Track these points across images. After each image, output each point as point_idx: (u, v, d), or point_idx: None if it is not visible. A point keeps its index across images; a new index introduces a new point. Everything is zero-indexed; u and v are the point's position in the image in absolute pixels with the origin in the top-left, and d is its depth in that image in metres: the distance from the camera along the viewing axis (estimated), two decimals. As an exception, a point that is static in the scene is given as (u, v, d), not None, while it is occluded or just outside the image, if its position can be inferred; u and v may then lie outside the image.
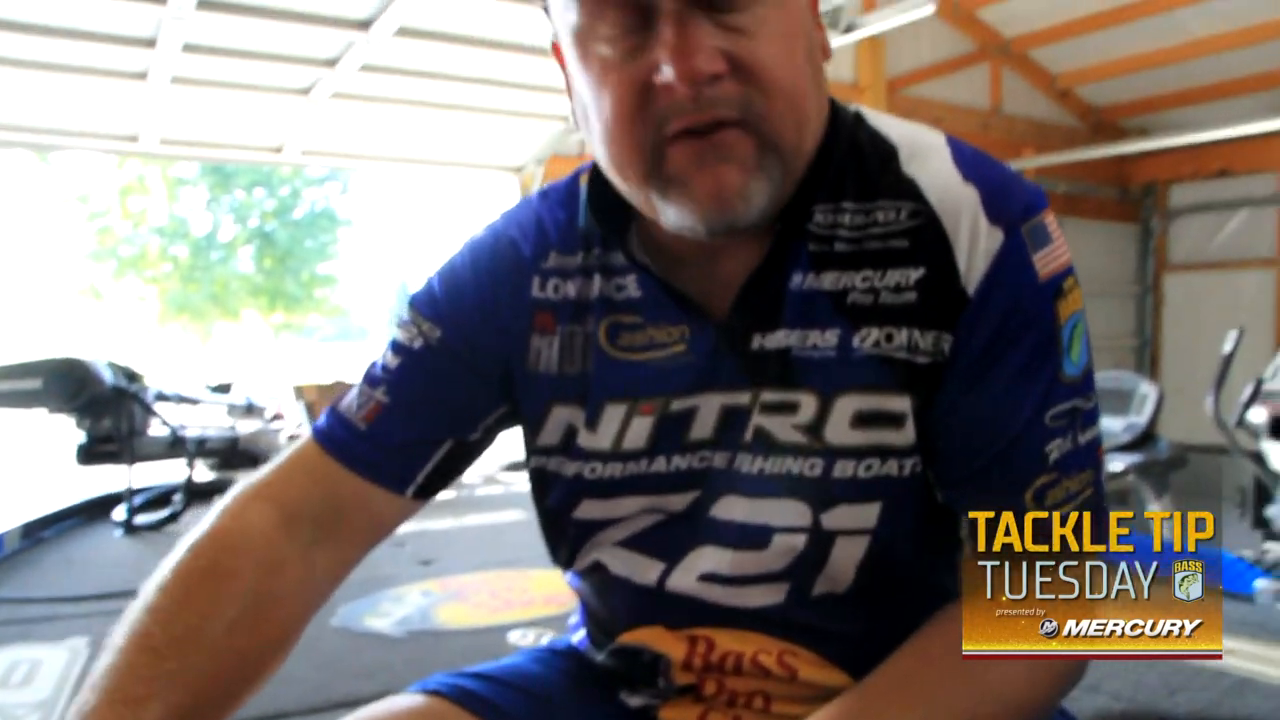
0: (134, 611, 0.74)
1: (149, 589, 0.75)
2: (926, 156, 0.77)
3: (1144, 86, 6.80)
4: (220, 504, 0.81)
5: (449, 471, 0.87)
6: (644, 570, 0.84)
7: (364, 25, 4.39)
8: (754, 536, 0.79)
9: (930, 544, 0.80)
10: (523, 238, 0.86)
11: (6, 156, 17.94)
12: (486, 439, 0.88)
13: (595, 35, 0.69)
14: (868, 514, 0.77)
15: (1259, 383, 4.69)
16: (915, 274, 0.74)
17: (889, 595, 0.80)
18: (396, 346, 0.87)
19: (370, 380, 0.86)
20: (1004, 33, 6.52)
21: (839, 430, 0.76)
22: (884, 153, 0.78)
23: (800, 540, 0.78)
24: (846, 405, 0.75)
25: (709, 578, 0.81)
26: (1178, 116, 6.96)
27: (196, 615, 0.74)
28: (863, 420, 0.75)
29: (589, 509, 0.84)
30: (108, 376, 4.16)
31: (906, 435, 0.75)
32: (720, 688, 0.84)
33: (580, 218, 0.84)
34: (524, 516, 4.70)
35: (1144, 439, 5.34)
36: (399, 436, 0.84)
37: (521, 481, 5.62)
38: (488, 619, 3.13)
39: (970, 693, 0.72)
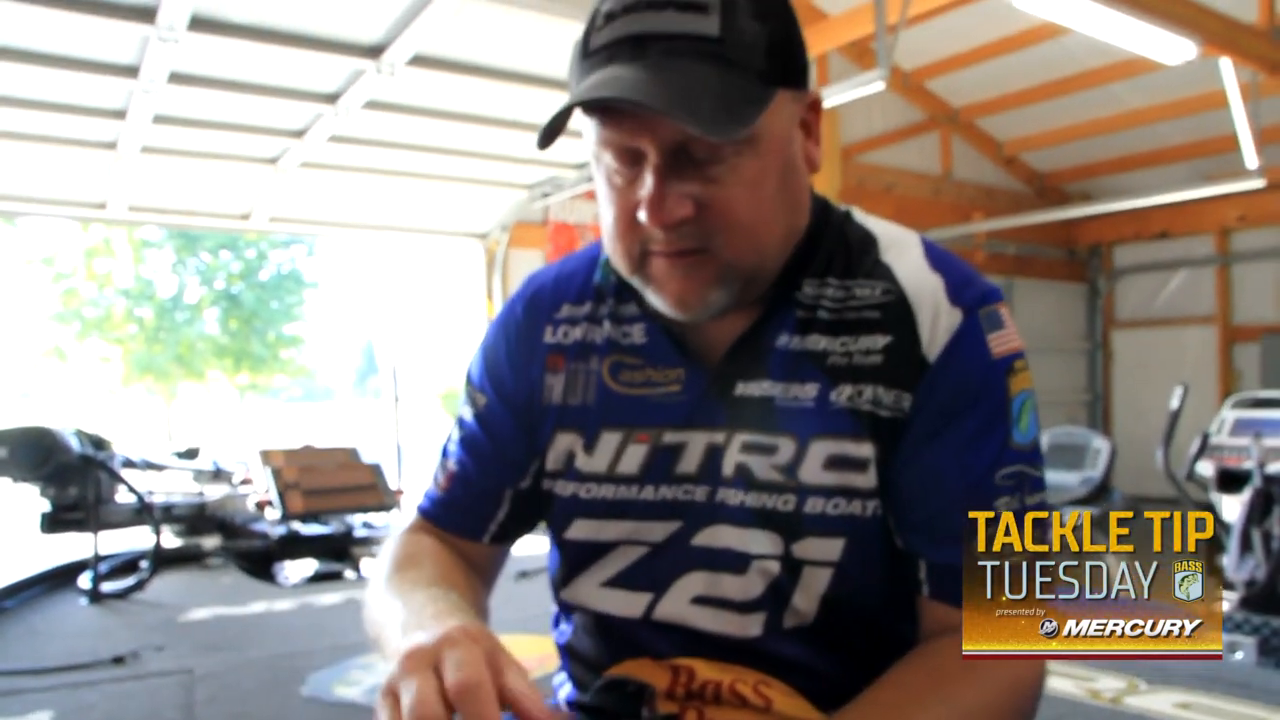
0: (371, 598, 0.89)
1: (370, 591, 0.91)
2: (902, 249, 0.90)
3: (1085, 153, 7.05)
4: (399, 529, 1.01)
5: (521, 518, 1.00)
6: (630, 605, 0.92)
7: (332, 98, 4.46)
8: (736, 562, 0.87)
9: (892, 590, 0.87)
10: (541, 294, 1.00)
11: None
12: (538, 485, 0.98)
13: (603, 160, 0.83)
14: (832, 547, 0.85)
15: (1205, 437, 4.84)
16: (883, 340, 0.86)
17: (854, 634, 0.88)
18: (459, 421, 1.03)
19: (444, 453, 1.03)
20: (952, 103, 6.75)
21: (812, 471, 0.85)
22: (866, 242, 0.91)
23: (775, 566, 0.86)
24: (820, 449, 0.85)
25: (700, 600, 0.89)
26: (1117, 182, 7.23)
27: (415, 569, 0.90)
28: (833, 463, 0.85)
29: (580, 529, 0.93)
30: (75, 445, 4.12)
31: (869, 479, 0.84)
32: (701, 718, 0.88)
33: (597, 274, 0.98)
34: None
35: (1099, 492, 5.46)
36: (467, 495, 0.99)
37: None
38: (458, 685, 3.10)
39: (945, 715, 0.77)
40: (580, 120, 0.82)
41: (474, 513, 0.99)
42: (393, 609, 0.81)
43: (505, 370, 0.99)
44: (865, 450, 0.84)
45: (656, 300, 0.86)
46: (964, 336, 0.84)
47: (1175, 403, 4.79)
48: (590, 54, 0.80)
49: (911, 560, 0.86)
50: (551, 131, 0.79)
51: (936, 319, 0.85)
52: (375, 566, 0.96)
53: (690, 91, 0.75)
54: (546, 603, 1.06)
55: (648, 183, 0.79)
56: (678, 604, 0.90)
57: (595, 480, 0.93)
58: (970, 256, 7.00)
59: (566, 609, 0.99)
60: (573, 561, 0.96)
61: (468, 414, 1.01)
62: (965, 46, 5.96)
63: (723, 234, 0.81)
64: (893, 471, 0.85)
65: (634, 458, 0.91)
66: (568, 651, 1.01)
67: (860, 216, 0.94)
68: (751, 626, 0.88)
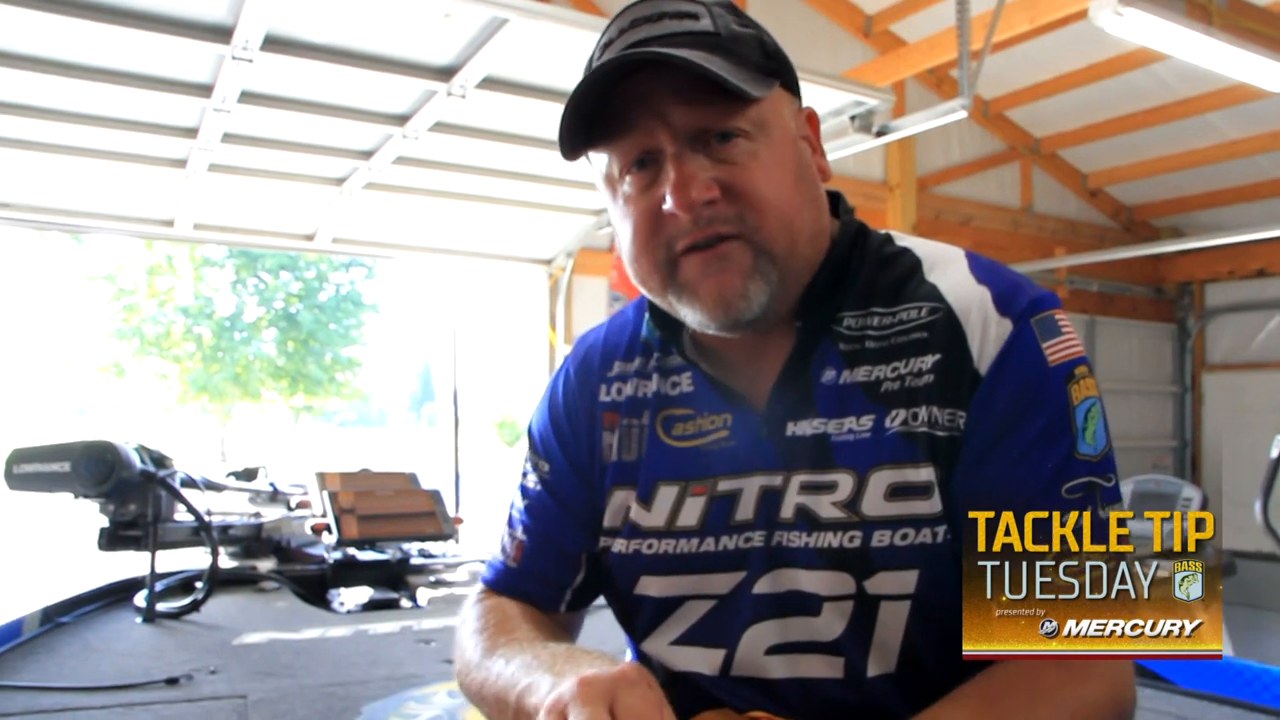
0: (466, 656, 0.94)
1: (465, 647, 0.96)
2: (946, 266, 0.90)
3: (1176, 186, 6.85)
4: (471, 601, 1.05)
5: (594, 582, 1.02)
6: (707, 662, 0.91)
7: (402, 119, 4.44)
8: (806, 605, 0.87)
9: None
10: (592, 354, 1.03)
11: (42, 237, 18.26)
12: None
13: (621, 178, 0.87)
14: (906, 580, 0.83)
15: (1307, 488, 4.57)
16: (933, 359, 0.85)
17: (944, 681, 0.83)
18: (523, 490, 1.04)
19: (510, 524, 1.05)
20: (1034, 133, 6.62)
21: (874, 503, 0.84)
22: (910, 265, 0.91)
23: (849, 606, 0.85)
24: (880, 480, 0.84)
25: (776, 649, 0.88)
26: (1210, 216, 7.00)
27: (517, 631, 0.95)
28: (895, 493, 0.84)
29: (648, 586, 0.94)
30: (137, 461, 4.10)
31: (934, 504, 0.83)
32: None
33: (643, 329, 1.00)
34: (549, 614, 4.58)
35: (1186, 544, 5.19)
36: (542, 563, 1.02)
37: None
38: (516, 724, 3.00)
39: None
40: (597, 157, 0.88)
41: (549, 581, 1.01)
42: (519, 662, 0.83)
43: (565, 434, 1.02)
44: (925, 474, 0.83)
45: (691, 313, 0.86)
46: (1015, 345, 0.82)
47: (1276, 451, 4.55)
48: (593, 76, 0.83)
49: None
50: (578, 132, 0.84)
51: (985, 330, 0.83)
52: (460, 639, 0.99)
53: (700, 56, 0.80)
54: (601, 644, 1.00)
55: (670, 173, 0.82)
56: (753, 656, 0.89)
57: (656, 535, 0.93)
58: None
59: (640, 659, 0.99)
60: (643, 619, 0.96)
61: (532, 482, 1.04)
62: (1049, 74, 5.83)
63: (752, 212, 0.83)
64: (953, 493, 0.83)
65: (693, 511, 0.92)
66: None
67: (902, 239, 0.95)
68: (830, 670, 0.86)
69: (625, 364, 1.00)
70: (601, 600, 1.05)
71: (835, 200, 0.96)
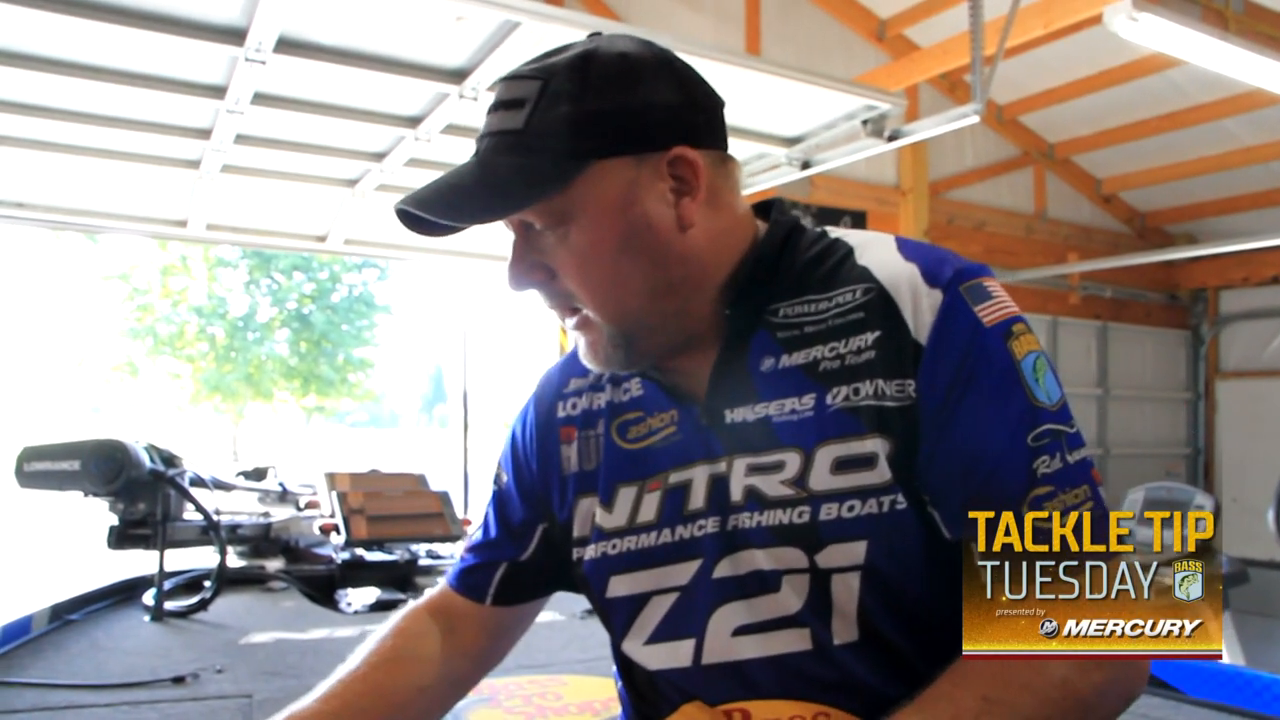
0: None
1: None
2: (875, 249, 0.94)
3: (1190, 192, 6.82)
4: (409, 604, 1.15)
5: (518, 585, 1.11)
6: (678, 655, 0.94)
7: (413, 122, 4.45)
8: (765, 582, 0.90)
9: (949, 597, 0.82)
10: (550, 379, 1.11)
11: (57, 237, 18.39)
12: (536, 558, 1.09)
13: None
14: (855, 551, 0.86)
15: (1320, 497, 4.52)
16: (872, 336, 0.88)
17: (910, 648, 0.87)
18: (489, 495, 1.15)
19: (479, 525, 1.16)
20: (1048, 138, 6.59)
21: (821, 478, 0.87)
22: (843, 253, 0.95)
23: (804, 580, 0.88)
24: (826, 455, 0.87)
25: (742, 630, 0.91)
26: (1226, 223, 6.96)
27: (356, 661, 1.06)
28: (841, 466, 0.87)
29: (616, 586, 0.99)
30: (146, 460, 4.11)
31: (881, 474, 0.85)
32: None
33: None
34: (558, 618, 4.57)
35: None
36: (475, 560, 1.13)
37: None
38: (522, 727, 2.99)
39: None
40: None
41: (477, 577, 1.12)
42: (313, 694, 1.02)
43: (520, 456, 1.11)
44: (870, 446, 0.86)
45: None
46: (949, 313, 0.86)
47: (1289, 459, 4.51)
48: None
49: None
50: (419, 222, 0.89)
51: (918, 303, 0.87)
52: (367, 641, 1.10)
53: (460, 188, 0.87)
54: (604, 646, 1.06)
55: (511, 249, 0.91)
56: (722, 640, 0.91)
57: (619, 535, 0.98)
58: (1064, 299, 6.80)
59: (622, 663, 1.03)
60: (616, 622, 1.01)
61: (494, 488, 1.15)
62: (1063, 79, 5.81)
63: (575, 297, 0.90)
64: (922, 468, 0.85)
65: (650, 506, 0.97)
66: (628, 702, 1.04)
67: (836, 232, 0.99)
68: (798, 642, 0.88)
69: (581, 380, 1.07)
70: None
71: (770, 206, 1.01)
